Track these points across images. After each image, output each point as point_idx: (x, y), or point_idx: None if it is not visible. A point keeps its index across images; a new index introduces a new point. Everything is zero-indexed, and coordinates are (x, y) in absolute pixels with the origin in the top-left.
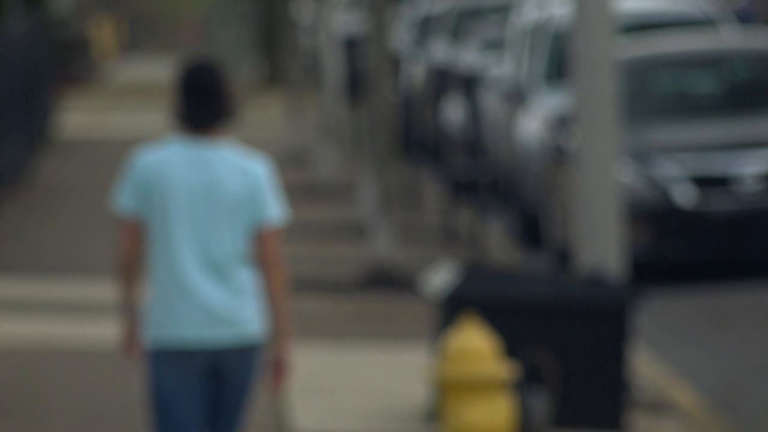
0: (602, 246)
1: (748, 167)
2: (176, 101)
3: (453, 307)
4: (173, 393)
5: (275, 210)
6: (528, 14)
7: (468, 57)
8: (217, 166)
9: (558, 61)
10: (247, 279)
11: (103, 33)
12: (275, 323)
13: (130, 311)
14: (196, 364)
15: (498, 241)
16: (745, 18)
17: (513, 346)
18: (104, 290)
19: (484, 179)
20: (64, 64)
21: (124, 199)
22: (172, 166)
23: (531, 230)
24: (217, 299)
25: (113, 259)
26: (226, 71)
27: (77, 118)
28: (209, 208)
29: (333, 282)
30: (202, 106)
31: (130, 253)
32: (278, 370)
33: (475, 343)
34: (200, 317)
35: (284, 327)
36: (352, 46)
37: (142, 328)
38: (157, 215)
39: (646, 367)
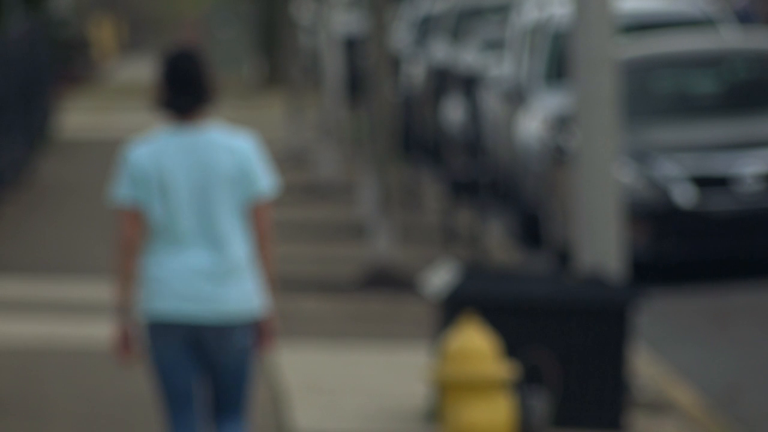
0: (602, 246)
1: (748, 167)
2: (160, 91)
3: (453, 307)
4: (166, 362)
5: (266, 182)
6: (528, 14)
7: (468, 57)
8: (207, 149)
9: (558, 61)
10: (245, 256)
11: (103, 33)
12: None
13: (125, 311)
14: (178, 336)
15: (498, 241)
16: (745, 18)
17: (513, 346)
18: (104, 290)
19: (484, 179)
20: (64, 64)
21: (121, 190)
22: (166, 154)
23: (531, 230)
24: (207, 277)
25: (113, 250)
26: (205, 57)
27: (77, 118)
28: (206, 189)
29: (333, 282)
30: (185, 91)
31: (131, 240)
32: (263, 332)
33: (475, 343)
34: (186, 292)
35: (268, 293)
36: (352, 46)
37: (137, 329)
38: (157, 202)
39: (646, 367)
